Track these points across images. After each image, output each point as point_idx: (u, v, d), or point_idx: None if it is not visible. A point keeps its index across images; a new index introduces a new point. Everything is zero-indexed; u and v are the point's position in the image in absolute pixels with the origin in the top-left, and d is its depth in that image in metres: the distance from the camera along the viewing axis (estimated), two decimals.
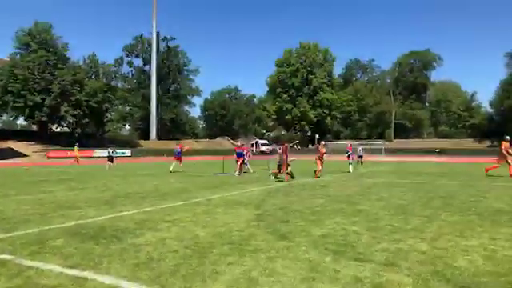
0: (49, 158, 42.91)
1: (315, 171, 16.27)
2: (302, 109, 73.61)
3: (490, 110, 75.30)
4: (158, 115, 75.58)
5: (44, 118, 51.76)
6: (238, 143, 25.86)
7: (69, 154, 40.83)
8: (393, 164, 29.72)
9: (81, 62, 58.43)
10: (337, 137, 78.28)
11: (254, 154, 23.72)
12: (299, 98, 74.61)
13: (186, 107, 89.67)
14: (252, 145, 67.80)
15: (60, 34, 56.08)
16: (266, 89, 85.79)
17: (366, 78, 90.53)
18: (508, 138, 15.81)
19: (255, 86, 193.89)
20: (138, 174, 18.57)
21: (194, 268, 3.94)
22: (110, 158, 24.29)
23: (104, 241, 5.10)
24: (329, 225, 6.12)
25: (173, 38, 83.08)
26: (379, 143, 58.45)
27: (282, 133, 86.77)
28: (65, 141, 49.75)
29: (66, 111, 51.62)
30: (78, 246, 4.81)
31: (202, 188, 12.01)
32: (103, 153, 38.07)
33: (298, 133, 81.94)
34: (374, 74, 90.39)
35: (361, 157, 27.76)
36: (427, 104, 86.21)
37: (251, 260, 4.20)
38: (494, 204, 8.24)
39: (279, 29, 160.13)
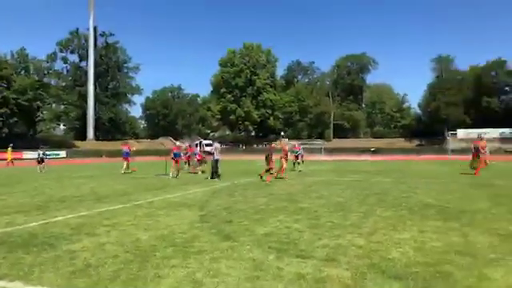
0: None
1: (267, 170, 14.58)
2: (246, 109, 74.07)
3: (419, 112, 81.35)
4: (95, 114, 71.76)
5: None
6: (186, 144, 25.25)
7: None
8: (332, 163, 30.93)
9: (8, 57, 53.94)
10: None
11: (205, 153, 23.28)
12: (243, 98, 75.01)
13: (126, 106, 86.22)
14: (196, 145, 66.98)
15: None
16: (209, 88, 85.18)
17: (307, 80, 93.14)
18: (483, 136, 16.82)
19: (198, 85, 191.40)
20: (73, 177, 17.51)
21: (135, 273, 3.82)
22: (41, 160, 22.45)
23: (35, 249, 4.75)
24: (272, 223, 6.24)
25: (112, 34, 79.22)
26: (319, 143, 60.35)
27: (227, 133, 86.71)
28: None
29: None
30: (4, 256, 4.44)
31: (144, 190, 11.63)
32: (34, 155, 35.28)
33: (243, 133, 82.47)
34: (315, 75, 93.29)
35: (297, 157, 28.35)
36: (363, 105, 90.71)
37: (195, 262, 4.16)
38: (422, 199, 8.92)
39: (223, 28, 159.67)
